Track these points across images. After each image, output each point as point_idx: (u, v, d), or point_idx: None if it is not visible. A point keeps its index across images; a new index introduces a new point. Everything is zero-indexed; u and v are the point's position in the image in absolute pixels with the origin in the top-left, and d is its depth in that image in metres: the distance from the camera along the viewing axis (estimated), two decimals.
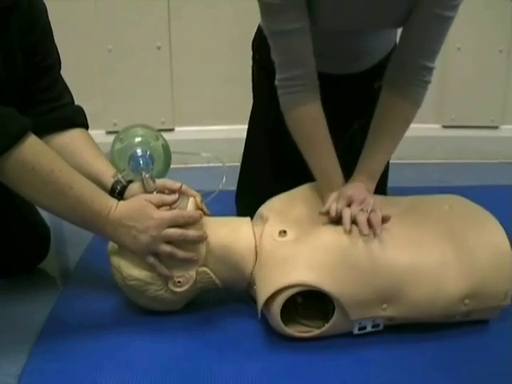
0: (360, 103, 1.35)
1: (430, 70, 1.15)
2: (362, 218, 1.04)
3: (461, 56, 2.10)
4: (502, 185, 1.82)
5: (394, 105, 1.17)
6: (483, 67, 2.12)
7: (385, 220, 1.05)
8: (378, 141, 1.18)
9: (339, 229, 1.04)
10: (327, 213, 1.08)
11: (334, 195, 1.12)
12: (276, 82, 1.17)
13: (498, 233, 1.07)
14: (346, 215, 1.05)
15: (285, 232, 1.07)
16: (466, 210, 1.15)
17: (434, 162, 2.15)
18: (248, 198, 1.48)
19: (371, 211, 1.05)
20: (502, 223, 1.09)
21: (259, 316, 1.02)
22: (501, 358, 0.99)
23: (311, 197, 1.19)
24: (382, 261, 1.00)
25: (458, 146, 2.18)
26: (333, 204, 1.08)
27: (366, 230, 1.02)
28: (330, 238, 1.03)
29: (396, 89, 1.16)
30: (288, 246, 1.04)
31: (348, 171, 1.20)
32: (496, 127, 2.20)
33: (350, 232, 1.02)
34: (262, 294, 1.01)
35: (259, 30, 1.41)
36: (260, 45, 1.38)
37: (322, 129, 1.17)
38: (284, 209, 1.16)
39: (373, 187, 1.17)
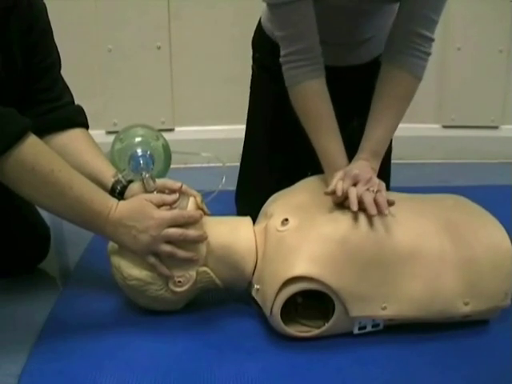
0: (359, 100, 1.34)
1: (429, 40, 1.14)
2: (368, 199, 1.02)
3: (461, 56, 2.10)
4: (501, 185, 1.82)
5: (395, 78, 1.15)
6: (483, 67, 2.12)
7: (390, 204, 1.04)
8: (379, 118, 1.16)
9: (341, 220, 1.03)
10: (333, 192, 1.06)
11: (339, 174, 1.09)
12: (280, 59, 1.15)
13: (499, 232, 1.07)
14: (353, 195, 1.02)
15: (287, 220, 1.06)
16: (467, 209, 1.15)
17: (434, 161, 2.15)
18: (248, 198, 1.48)
19: (377, 191, 1.04)
20: (502, 223, 1.09)
21: (268, 313, 1.01)
22: (501, 358, 0.99)
23: (314, 185, 1.19)
24: (382, 254, 1.00)
25: (458, 146, 2.18)
26: (338, 183, 1.05)
27: (373, 210, 1.00)
28: (332, 229, 1.02)
29: (395, 61, 1.15)
30: (290, 237, 1.03)
31: None
32: (496, 127, 2.20)
33: (356, 212, 1.00)
34: (270, 291, 1.00)
35: (259, 28, 1.42)
36: (260, 43, 1.38)
37: (326, 105, 1.16)
38: (287, 199, 1.16)
39: (377, 166, 1.15)
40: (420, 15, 1.11)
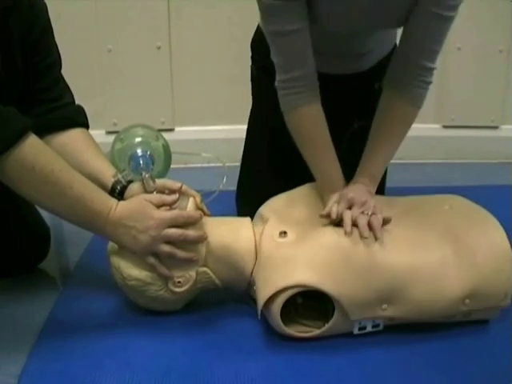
0: (360, 104, 1.36)
1: (431, 70, 1.15)
2: (362, 222, 1.04)
3: (461, 56, 2.10)
4: (501, 185, 1.82)
5: (395, 106, 1.17)
6: (483, 67, 2.12)
7: (385, 222, 1.05)
8: (379, 143, 1.18)
9: (340, 230, 1.04)
10: (328, 215, 1.07)
11: (334, 197, 1.11)
12: (276, 84, 1.17)
13: (498, 233, 1.07)
14: (347, 218, 1.05)
15: (285, 233, 1.07)
16: (466, 210, 1.15)
17: (434, 161, 2.15)
18: (248, 198, 1.48)
19: (372, 214, 1.05)
20: (501, 223, 1.09)
21: (259, 317, 1.02)
22: (501, 358, 0.99)
23: (312, 197, 1.19)
24: (382, 262, 1.00)
25: (458, 146, 2.18)
26: (334, 206, 1.08)
27: (366, 233, 1.02)
28: (331, 238, 1.03)
29: (396, 90, 1.16)
30: (288, 247, 1.04)
31: (349, 172, 1.19)
32: (496, 127, 2.20)
33: (350, 234, 1.02)
34: (262, 295, 1.01)
35: (258, 31, 1.41)
36: (259, 45, 1.38)
37: (322, 129, 1.17)
38: (284, 209, 1.16)
39: (374, 189, 1.16)
40: (424, 48, 1.13)
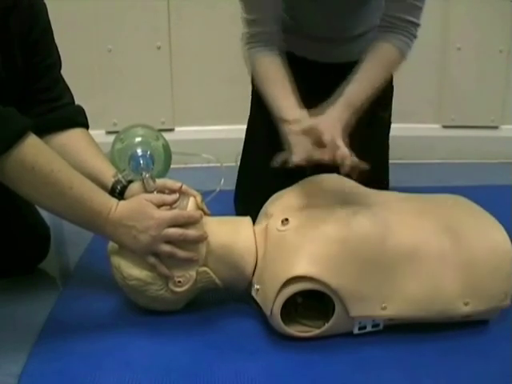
0: None
1: (416, 24, 1.23)
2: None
3: (461, 56, 2.10)
4: (501, 185, 1.82)
5: (379, 48, 1.22)
6: (483, 67, 2.12)
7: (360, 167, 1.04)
8: (356, 77, 1.19)
9: (341, 219, 1.03)
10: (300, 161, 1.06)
11: (295, 129, 1.09)
12: (241, 36, 1.25)
13: (498, 233, 1.07)
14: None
15: (287, 220, 1.06)
16: (467, 210, 1.15)
17: (434, 161, 2.15)
18: (247, 198, 1.48)
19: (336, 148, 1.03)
20: (501, 223, 1.09)
21: (268, 313, 1.01)
22: (501, 358, 0.99)
23: (314, 185, 1.19)
24: (382, 253, 1.00)
25: (458, 146, 2.18)
26: (300, 152, 1.06)
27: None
28: (332, 229, 1.02)
29: (382, 37, 1.23)
30: (291, 237, 1.03)
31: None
32: (496, 127, 2.20)
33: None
34: (271, 291, 1.00)
35: None
36: None
37: (282, 71, 1.22)
38: (287, 199, 1.16)
39: (349, 117, 1.14)
40: (406, 3, 1.20)
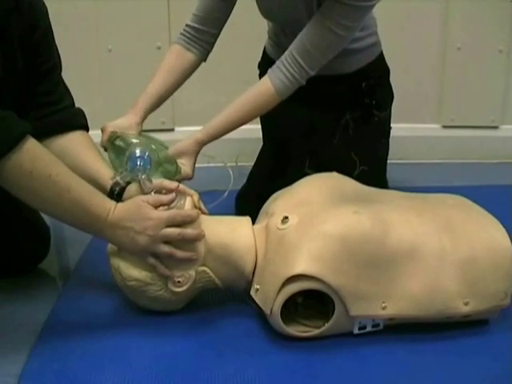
0: (350, 98, 1.43)
1: (303, 69, 1.23)
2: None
3: (461, 56, 2.09)
4: (501, 185, 1.81)
5: (261, 82, 1.29)
6: (483, 67, 2.12)
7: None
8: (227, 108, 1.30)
9: (341, 218, 1.03)
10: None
11: None
12: (185, 25, 1.36)
13: (499, 232, 1.07)
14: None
15: (286, 218, 1.06)
16: (467, 209, 1.15)
17: (434, 161, 2.15)
18: (247, 198, 1.49)
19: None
20: (502, 223, 1.09)
21: (268, 313, 1.01)
22: (501, 358, 0.99)
23: (314, 183, 1.19)
24: (382, 252, 1.00)
25: (458, 145, 2.18)
26: None
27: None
28: (333, 228, 1.02)
29: (270, 71, 1.27)
30: (291, 236, 1.03)
31: (343, 163, 1.22)
32: (496, 127, 2.20)
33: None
34: (271, 290, 1.00)
35: (264, 54, 1.53)
36: (265, 66, 1.42)
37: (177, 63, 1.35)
38: (287, 197, 1.16)
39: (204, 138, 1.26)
40: (304, 48, 1.22)
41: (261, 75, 1.53)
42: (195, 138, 1.25)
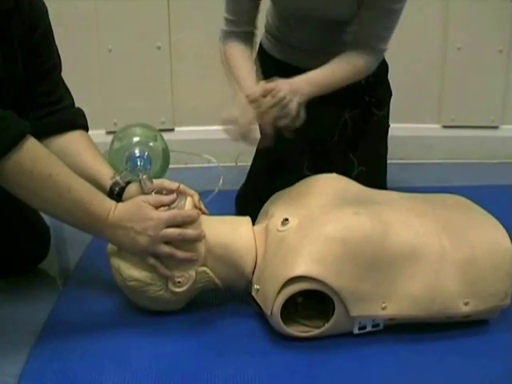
0: (350, 97, 1.42)
1: (383, 50, 1.33)
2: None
3: (461, 56, 2.09)
4: (501, 185, 1.82)
5: (348, 55, 1.30)
6: (483, 67, 2.12)
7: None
8: (323, 67, 1.27)
9: (342, 219, 1.03)
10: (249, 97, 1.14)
11: (255, 95, 1.17)
12: (221, 30, 1.40)
13: (498, 232, 1.07)
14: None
15: (287, 220, 1.06)
16: (467, 209, 1.15)
17: (434, 161, 2.15)
18: (247, 198, 1.49)
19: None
20: (502, 223, 1.09)
21: (268, 313, 1.01)
22: (501, 358, 0.99)
23: (314, 184, 1.19)
24: (382, 253, 1.00)
25: (458, 145, 2.17)
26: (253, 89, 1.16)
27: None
28: (333, 229, 1.02)
29: (351, 49, 1.31)
30: (291, 237, 1.03)
31: (342, 162, 1.22)
32: (496, 127, 2.20)
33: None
34: (271, 290, 1.00)
35: (260, 48, 1.53)
36: (262, 60, 1.42)
37: (249, 59, 1.34)
38: (287, 199, 1.16)
39: (305, 88, 1.21)
40: (373, 32, 1.28)
41: (258, 70, 1.52)
42: (306, 79, 1.24)
